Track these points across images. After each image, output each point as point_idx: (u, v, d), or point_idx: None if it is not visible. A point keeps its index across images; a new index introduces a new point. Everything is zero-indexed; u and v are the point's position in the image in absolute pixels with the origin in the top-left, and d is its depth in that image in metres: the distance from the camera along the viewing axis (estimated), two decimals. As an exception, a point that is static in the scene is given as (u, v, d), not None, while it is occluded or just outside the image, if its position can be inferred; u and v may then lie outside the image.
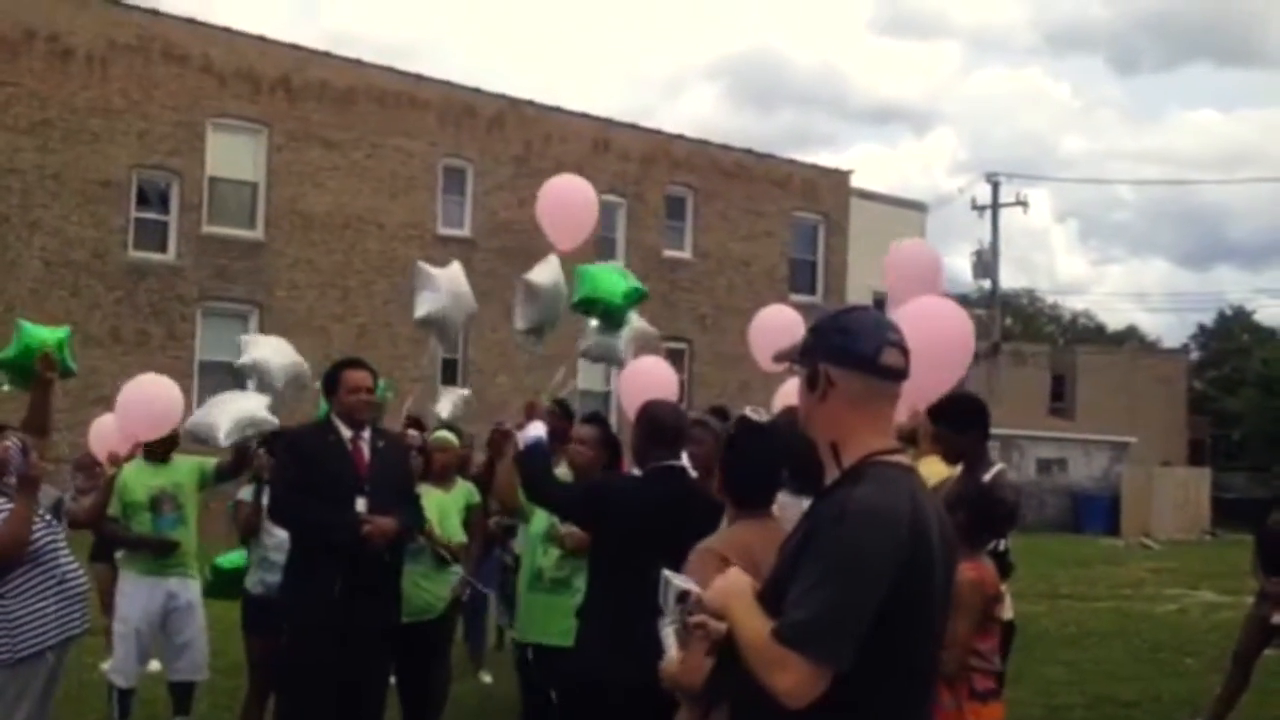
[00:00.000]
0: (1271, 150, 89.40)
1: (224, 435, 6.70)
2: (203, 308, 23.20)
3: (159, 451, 7.21)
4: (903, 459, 2.59)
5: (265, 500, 6.80)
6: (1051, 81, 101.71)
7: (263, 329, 23.62)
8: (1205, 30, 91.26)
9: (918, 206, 36.96)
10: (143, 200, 22.82)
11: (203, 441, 6.81)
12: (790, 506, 3.92)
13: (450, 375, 25.85)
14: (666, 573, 2.97)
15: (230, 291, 23.48)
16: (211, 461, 7.33)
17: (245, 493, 7.21)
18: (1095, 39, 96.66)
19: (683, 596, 2.88)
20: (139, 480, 7.16)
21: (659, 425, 5.03)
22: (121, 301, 22.26)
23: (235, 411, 6.74)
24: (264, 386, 6.94)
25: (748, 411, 4.23)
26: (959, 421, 5.50)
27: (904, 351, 2.58)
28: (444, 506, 7.05)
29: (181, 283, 22.93)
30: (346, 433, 6.02)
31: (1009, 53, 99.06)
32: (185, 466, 7.31)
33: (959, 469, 5.44)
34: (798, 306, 8.76)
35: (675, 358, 25.51)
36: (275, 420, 6.87)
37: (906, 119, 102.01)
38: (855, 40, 74.35)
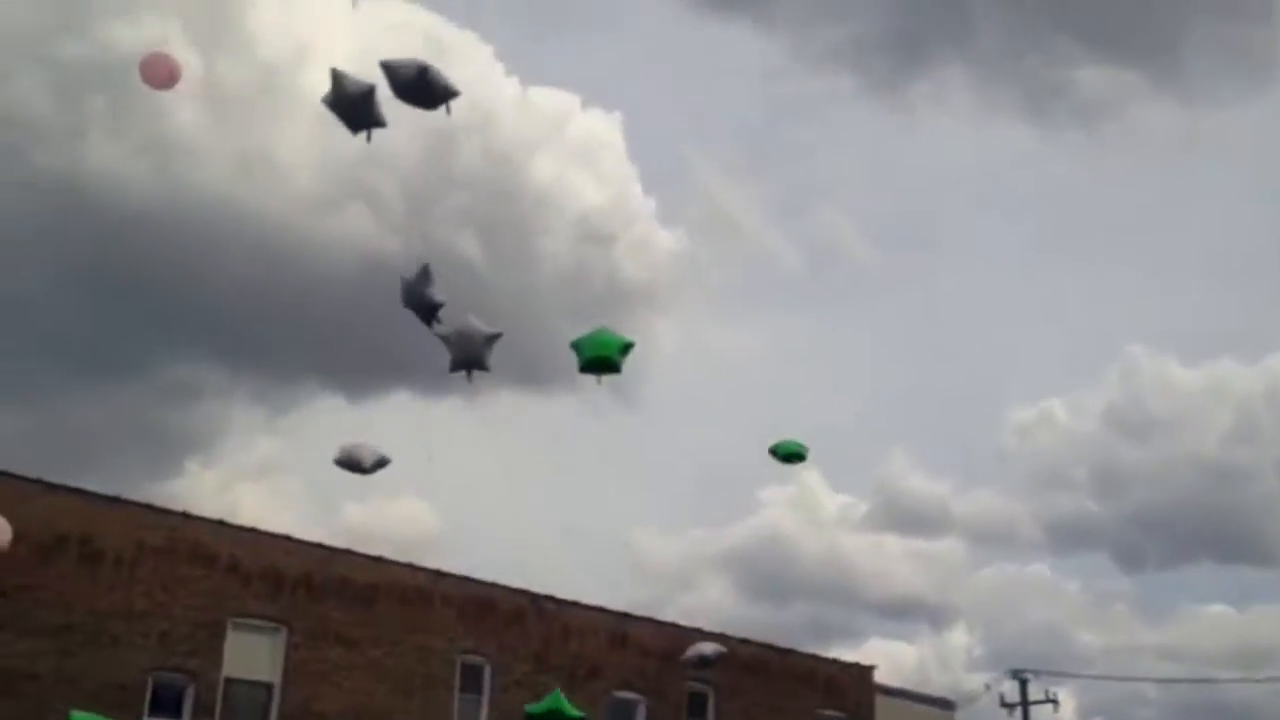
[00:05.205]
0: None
1: None
2: (208, 815, 22.29)
3: None
4: None
5: None
6: (1060, 578, 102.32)
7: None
8: (1206, 529, 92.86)
9: (945, 704, 36.13)
10: (157, 704, 22.46)
11: None
12: None
13: None
14: None
15: (237, 797, 22.64)
16: None
17: None
18: (1097, 537, 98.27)
19: None
20: None
21: None
22: (124, 810, 21.43)
23: None
24: None
25: None
26: None
27: None
28: None
29: (188, 789, 22.15)
30: None
31: (1013, 549, 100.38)
32: None
33: None
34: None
35: None
36: None
37: (920, 613, 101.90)
38: (858, 535, 76.40)
